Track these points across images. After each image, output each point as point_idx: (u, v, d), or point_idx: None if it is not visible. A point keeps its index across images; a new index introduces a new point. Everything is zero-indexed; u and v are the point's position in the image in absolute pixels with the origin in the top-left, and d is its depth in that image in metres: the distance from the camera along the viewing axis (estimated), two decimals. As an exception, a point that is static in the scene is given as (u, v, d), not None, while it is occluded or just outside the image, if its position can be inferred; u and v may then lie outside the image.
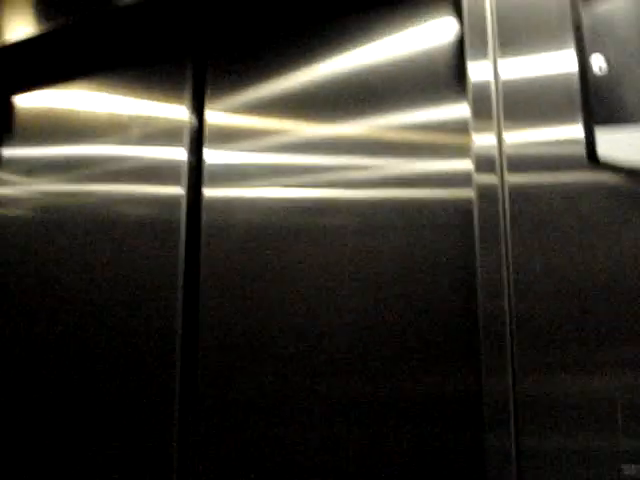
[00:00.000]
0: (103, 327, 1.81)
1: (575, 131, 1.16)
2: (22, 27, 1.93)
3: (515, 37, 1.24)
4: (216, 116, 1.76)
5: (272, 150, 1.66)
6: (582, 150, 1.14)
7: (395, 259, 1.46)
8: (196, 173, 1.76)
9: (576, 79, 1.17)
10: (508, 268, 1.16)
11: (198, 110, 1.80)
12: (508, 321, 1.15)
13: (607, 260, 1.10)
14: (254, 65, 1.74)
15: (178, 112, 1.81)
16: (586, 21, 1.15)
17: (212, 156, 1.75)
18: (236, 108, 1.74)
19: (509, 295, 1.16)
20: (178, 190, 1.77)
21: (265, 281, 1.60)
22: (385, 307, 1.44)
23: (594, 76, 1.12)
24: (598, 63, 1.12)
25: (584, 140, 1.13)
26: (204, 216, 1.72)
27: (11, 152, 2.16)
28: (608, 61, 1.11)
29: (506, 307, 1.15)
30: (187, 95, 1.82)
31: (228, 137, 1.73)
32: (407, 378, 1.40)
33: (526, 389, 1.12)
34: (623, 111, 1.09)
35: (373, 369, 1.45)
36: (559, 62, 1.20)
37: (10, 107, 2.19)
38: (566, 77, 1.19)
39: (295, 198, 1.61)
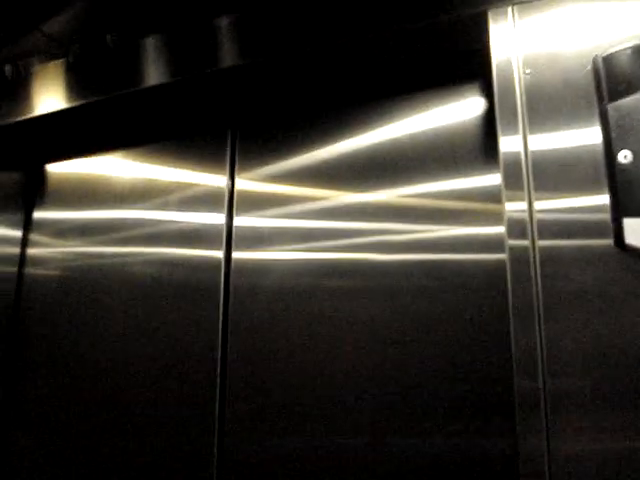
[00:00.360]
0: (141, 390, 1.90)
1: (601, 200, 1.28)
2: (55, 101, 2.04)
3: (543, 114, 1.37)
4: (249, 184, 1.88)
5: (305, 216, 1.78)
6: (608, 218, 1.27)
7: (428, 321, 1.57)
8: (229, 237, 1.87)
9: (601, 152, 1.29)
10: (540, 333, 1.28)
11: (233, 178, 1.92)
12: (542, 386, 1.25)
13: (632, 338, 1.22)
14: (285, 138, 1.86)
15: (217, 180, 1.93)
16: (612, 114, 1.28)
17: (243, 221, 1.86)
18: (268, 177, 1.87)
19: (542, 364, 1.27)
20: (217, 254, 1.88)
21: (294, 344, 1.70)
22: (417, 369, 1.55)
23: (621, 168, 1.25)
24: (625, 155, 1.25)
25: (612, 225, 1.25)
26: (234, 278, 1.82)
27: (44, 215, 2.27)
28: (634, 153, 1.24)
29: (540, 380, 1.26)
30: (225, 165, 1.94)
31: (260, 203, 1.85)
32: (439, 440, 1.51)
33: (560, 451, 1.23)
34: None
35: (399, 432, 1.55)
36: (585, 137, 1.33)
37: (44, 175, 2.30)
38: (592, 151, 1.31)
39: (327, 261, 1.72)
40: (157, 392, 1.84)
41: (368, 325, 1.62)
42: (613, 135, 1.27)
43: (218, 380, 1.76)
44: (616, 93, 1.29)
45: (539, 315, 1.27)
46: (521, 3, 1.44)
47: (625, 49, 1.30)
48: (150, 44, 1.88)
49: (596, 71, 1.33)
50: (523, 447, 1.25)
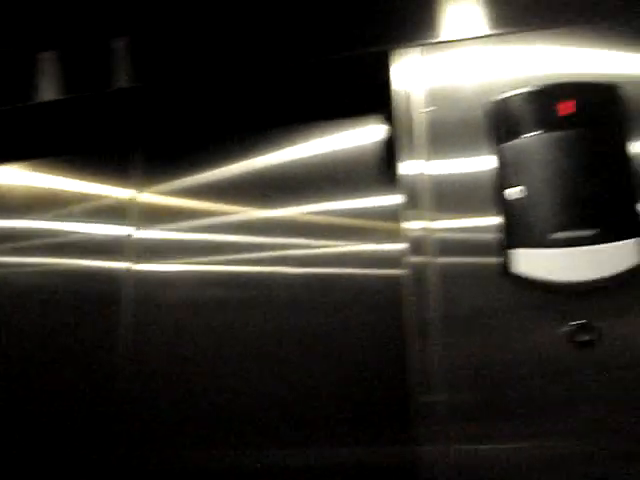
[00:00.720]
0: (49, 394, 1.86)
1: (492, 221, 1.40)
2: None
3: (443, 145, 1.49)
4: (154, 198, 1.90)
5: (207, 230, 1.81)
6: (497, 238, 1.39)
7: (326, 333, 1.65)
8: (133, 249, 1.88)
9: (491, 176, 1.42)
10: (433, 331, 1.39)
11: (138, 192, 1.93)
12: (435, 399, 1.36)
13: (518, 351, 1.35)
14: (191, 156, 1.90)
15: (122, 193, 1.93)
16: (505, 154, 1.41)
17: (147, 233, 1.87)
18: (172, 192, 1.89)
19: (436, 379, 1.38)
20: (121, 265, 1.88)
21: (194, 353, 1.74)
22: (318, 380, 1.62)
23: (511, 203, 1.38)
24: (515, 192, 1.38)
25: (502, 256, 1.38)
26: (136, 289, 1.83)
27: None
28: (523, 190, 1.38)
29: (434, 394, 1.37)
30: (130, 179, 1.94)
31: (164, 217, 1.87)
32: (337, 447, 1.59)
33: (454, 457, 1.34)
34: (532, 235, 1.35)
35: (299, 438, 1.62)
36: (480, 167, 1.46)
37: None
38: (484, 177, 1.44)
39: (230, 274, 1.77)
40: (57, 405, 1.81)
41: (272, 337, 1.67)
42: (505, 172, 1.39)
43: (117, 394, 1.75)
44: (509, 134, 1.42)
45: (434, 332, 1.37)
46: (425, 45, 1.55)
47: (519, 94, 1.44)
48: (47, 59, 1.86)
49: (492, 113, 1.45)
50: (420, 454, 1.34)
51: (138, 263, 1.83)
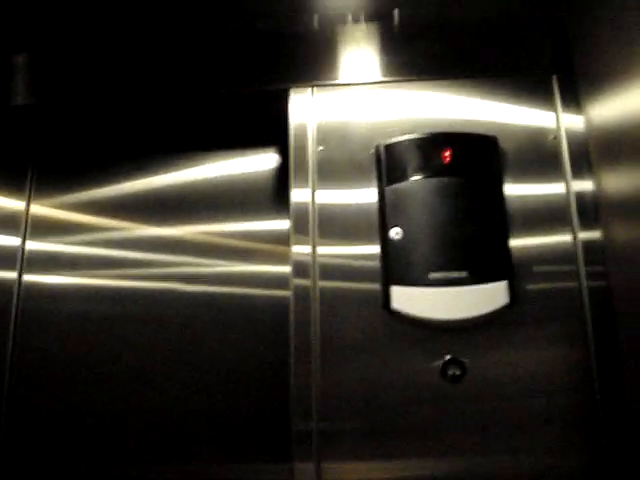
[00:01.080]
0: None
1: (373, 248, 1.50)
2: None
3: (331, 179, 1.57)
4: (46, 211, 1.88)
5: (99, 244, 1.82)
6: (377, 264, 1.48)
7: (214, 349, 1.68)
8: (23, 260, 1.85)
9: (374, 207, 1.52)
10: (315, 358, 1.46)
11: (29, 204, 1.91)
12: (315, 427, 1.43)
13: (394, 381, 1.43)
14: (87, 173, 1.90)
15: (15, 205, 1.90)
16: (388, 196, 1.50)
17: (38, 245, 1.86)
18: (66, 206, 1.88)
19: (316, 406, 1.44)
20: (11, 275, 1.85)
21: (82, 365, 1.73)
22: (200, 396, 1.65)
23: (392, 243, 1.47)
24: (396, 232, 1.47)
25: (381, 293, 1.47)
26: (26, 301, 1.81)
27: None
28: (403, 231, 1.47)
29: (314, 421, 1.43)
30: (24, 192, 1.92)
31: (56, 230, 1.86)
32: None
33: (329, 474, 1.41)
34: (409, 274, 1.44)
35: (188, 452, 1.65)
36: (363, 192, 1.55)
37: None
38: (368, 208, 1.53)
39: (120, 289, 1.77)
40: None
41: (159, 353, 1.69)
42: (387, 213, 1.48)
43: (4, 407, 1.72)
44: (392, 178, 1.51)
45: (316, 357, 1.44)
46: (317, 86, 1.63)
47: (403, 141, 1.53)
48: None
49: (378, 156, 1.54)
50: (298, 473, 1.41)
51: (28, 274, 1.80)
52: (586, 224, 1.49)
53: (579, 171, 1.52)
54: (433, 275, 1.42)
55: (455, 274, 1.42)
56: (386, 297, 1.44)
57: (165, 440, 1.63)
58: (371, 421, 1.41)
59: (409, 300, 1.43)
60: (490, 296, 1.41)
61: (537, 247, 1.49)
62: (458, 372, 1.40)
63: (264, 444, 1.60)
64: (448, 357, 1.42)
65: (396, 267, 1.45)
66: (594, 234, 1.48)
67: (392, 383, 1.43)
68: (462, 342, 1.43)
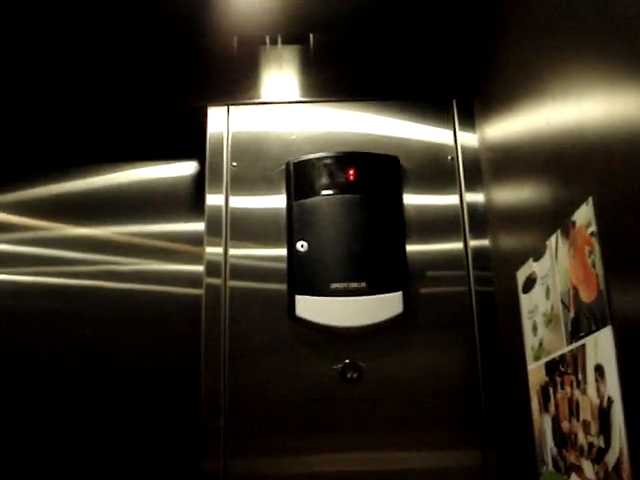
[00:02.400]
0: None
1: (281, 251, 1.62)
2: None
3: (243, 180, 1.69)
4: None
5: (27, 243, 1.89)
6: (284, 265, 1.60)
7: (129, 346, 1.76)
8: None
9: (283, 215, 1.64)
10: (225, 357, 1.57)
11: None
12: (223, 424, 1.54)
13: (298, 383, 1.55)
14: (16, 173, 1.96)
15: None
16: (296, 210, 1.61)
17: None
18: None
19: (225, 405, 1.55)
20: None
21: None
22: (114, 393, 1.73)
23: (298, 254, 1.58)
24: (302, 245, 1.59)
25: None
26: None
27: None
28: (308, 244, 1.58)
29: (222, 420, 1.55)
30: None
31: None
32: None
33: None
34: (313, 284, 1.56)
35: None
36: (273, 202, 1.67)
37: None
38: (277, 213, 1.65)
39: (45, 285, 1.84)
40: None
41: (79, 348, 1.75)
42: (294, 227, 1.59)
43: None
44: (301, 193, 1.62)
45: (225, 356, 1.56)
46: (235, 104, 1.74)
47: (311, 159, 1.65)
48: None
49: (288, 172, 1.65)
50: (206, 469, 1.52)
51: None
52: (476, 233, 1.63)
53: (472, 185, 1.66)
54: (334, 285, 1.54)
55: (354, 285, 1.54)
56: (291, 305, 1.55)
57: (77, 439, 1.71)
58: (277, 419, 1.53)
59: (312, 308, 1.54)
60: (386, 305, 1.54)
61: (432, 254, 1.64)
62: (355, 375, 1.53)
63: (173, 442, 1.69)
64: (347, 361, 1.54)
65: (301, 278, 1.56)
66: (483, 242, 1.62)
67: (296, 384, 1.54)
68: (360, 348, 1.55)
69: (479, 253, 1.61)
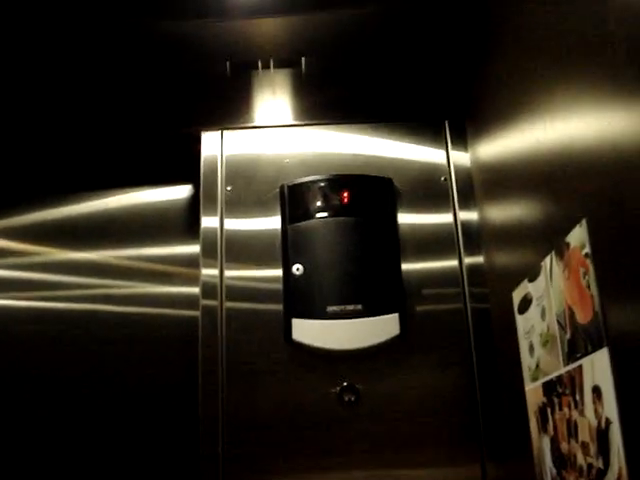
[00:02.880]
0: None
1: (276, 272, 1.62)
2: None
3: (237, 203, 1.70)
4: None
5: (23, 268, 1.88)
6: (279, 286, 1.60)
7: (125, 369, 1.76)
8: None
9: (278, 237, 1.64)
10: (222, 379, 1.56)
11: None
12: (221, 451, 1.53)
13: (296, 406, 1.55)
14: (11, 201, 1.96)
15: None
16: (291, 234, 1.62)
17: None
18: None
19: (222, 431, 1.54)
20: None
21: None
22: (108, 415, 1.72)
23: (293, 278, 1.58)
24: (297, 268, 1.59)
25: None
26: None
27: None
28: (304, 268, 1.58)
29: (220, 446, 1.54)
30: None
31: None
32: None
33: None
34: (309, 307, 1.56)
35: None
36: (268, 224, 1.67)
37: None
38: (271, 236, 1.65)
39: (35, 309, 1.84)
40: None
41: (72, 371, 1.75)
42: (289, 250, 1.60)
43: None
44: (295, 216, 1.63)
45: (223, 379, 1.56)
46: (228, 129, 1.75)
47: (305, 182, 1.65)
48: None
49: (282, 196, 1.66)
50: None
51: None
52: (471, 250, 1.64)
53: (465, 203, 1.67)
54: (331, 308, 1.54)
55: (351, 307, 1.54)
56: (288, 329, 1.55)
57: (74, 462, 1.70)
58: (275, 443, 1.52)
59: (309, 332, 1.54)
60: (383, 327, 1.54)
61: (428, 272, 1.64)
62: (353, 398, 1.52)
63: (171, 466, 1.68)
64: (344, 384, 1.53)
65: (297, 301, 1.56)
66: (478, 259, 1.63)
67: (294, 407, 1.54)
68: (357, 370, 1.55)
69: (474, 270, 1.62)
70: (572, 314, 0.99)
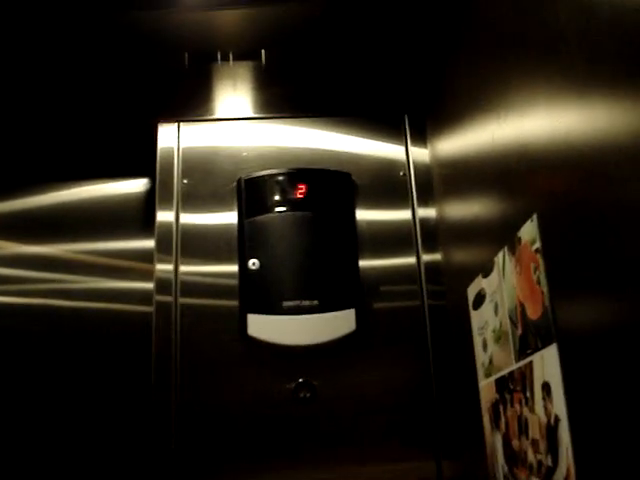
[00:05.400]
0: None
1: (232, 268, 1.59)
2: None
3: (194, 197, 1.66)
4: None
5: None
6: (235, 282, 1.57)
7: (78, 364, 1.72)
8: None
9: (234, 232, 1.61)
10: (176, 376, 1.53)
11: None
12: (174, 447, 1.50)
13: (251, 402, 1.53)
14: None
15: None
16: (247, 228, 1.59)
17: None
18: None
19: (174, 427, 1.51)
20: None
21: None
22: (61, 411, 1.68)
23: (249, 273, 1.56)
24: (253, 263, 1.56)
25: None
26: None
27: None
28: (260, 262, 1.56)
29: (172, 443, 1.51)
30: None
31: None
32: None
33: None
34: (265, 303, 1.54)
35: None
36: (225, 219, 1.64)
37: None
38: (228, 230, 1.63)
39: None
40: None
41: (28, 366, 1.71)
42: (246, 245, 1.57)
43: None
44: (252, 210, 1.60)
45: (177, 374, 1.53)
46: (185, 121, 1.71)
47: (262, 176, 1.63)
48: None
49: (239, 190, 1.63)
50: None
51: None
52: (429, 247, 1.63)
53: (424, 200, 1.67)
54: (287, 304, 1.52)
55: (307, 303, 1.52)
56: (242, 325, 1.53)
57: (26, 459, 1.66)
58: (229, 439, 1.50)
59: (264, 327, 1.52)
60: (339, 323, 1.52)
61: (385, 269, 1.63)
62: (309, 394, 1.51)
63: (126, 462, 1.65)
64: (300, 380, 1.52)
65: (252, 296, 1.54)
66: (435, 256, 1.62)
67: (249, 403, 1.52)
68: (313, 366, 1.54)
69: (432, 267, 1.62)
70: (523, 310, 0.98)
